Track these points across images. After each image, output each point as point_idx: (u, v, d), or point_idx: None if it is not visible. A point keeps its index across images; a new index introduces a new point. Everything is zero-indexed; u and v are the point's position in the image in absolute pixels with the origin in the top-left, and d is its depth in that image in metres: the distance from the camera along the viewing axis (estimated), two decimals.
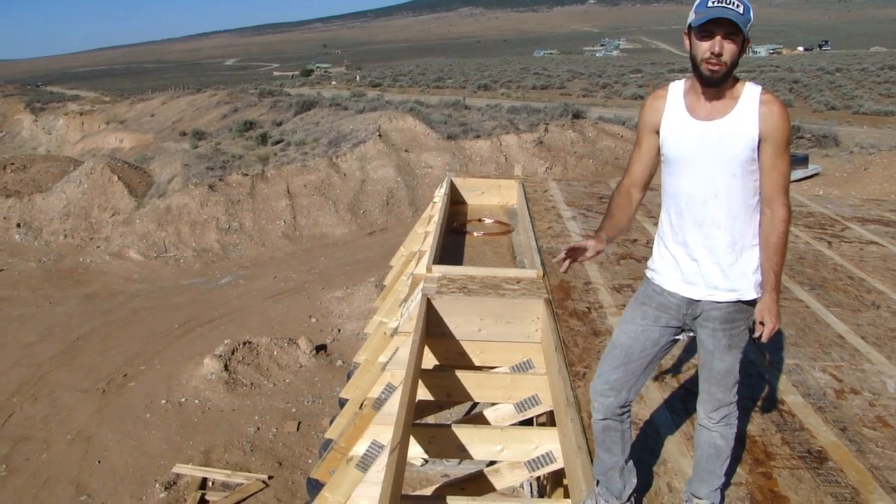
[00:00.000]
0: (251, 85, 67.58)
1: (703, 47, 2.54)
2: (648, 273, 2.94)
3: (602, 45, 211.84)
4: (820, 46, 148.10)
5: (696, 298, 2.76)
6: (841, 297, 5.50)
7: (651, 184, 2.98)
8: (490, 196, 8.70)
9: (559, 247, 6.50)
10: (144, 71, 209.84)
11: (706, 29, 2.52)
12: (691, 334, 2.90)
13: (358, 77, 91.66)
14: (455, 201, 8.46)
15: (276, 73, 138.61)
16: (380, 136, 23.38)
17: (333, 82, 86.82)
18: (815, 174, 21.06)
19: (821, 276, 6.00)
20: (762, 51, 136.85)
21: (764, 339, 2.68)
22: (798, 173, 20.58)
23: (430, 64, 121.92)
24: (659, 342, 2.87)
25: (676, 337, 2.90)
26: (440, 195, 8.30)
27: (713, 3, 2.50)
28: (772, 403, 3.81)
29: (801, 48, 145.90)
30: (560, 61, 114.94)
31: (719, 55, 2.51)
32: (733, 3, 2.48)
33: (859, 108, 41.42)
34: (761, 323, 2.67)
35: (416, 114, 26.74)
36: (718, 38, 2.51)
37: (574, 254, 2.96)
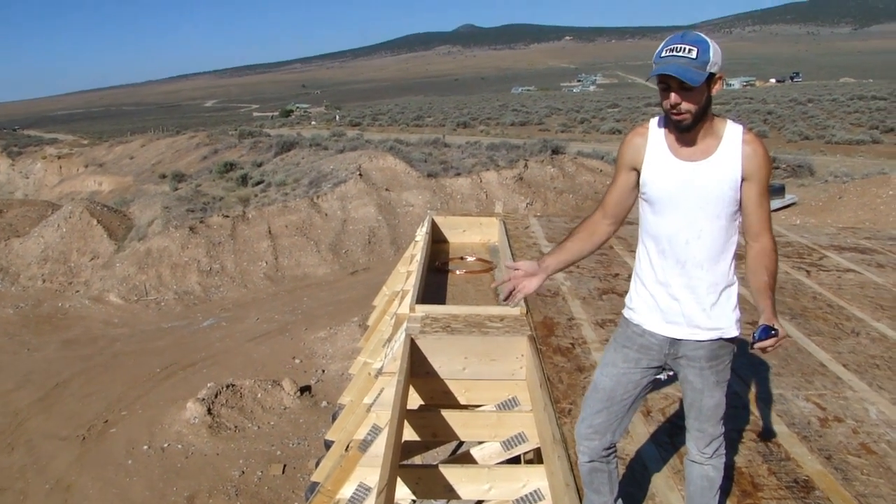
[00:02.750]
0: (231, 126, 67.81)
1: (664, 98, 2.53)
2: (626, 313, 2.91)
3: (579, 81, 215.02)
4: (792, 78, 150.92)
5: (678, 338, 2.76)
6: (821, 325, 5.55)
7: (629, 217, 2.99)
8: (471, 234, 8.73)
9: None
10: (123, 113, 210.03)
11: (662, 81, 2.51)
12: (671, 373, 2.90)
13: (337, 117, 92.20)
14: (437, 240, 8.48)
15: (255, 114, 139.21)
16: (360, 175, 23.45)
17: (313, 122, 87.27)
18: (792, 204, 21.32)
19: (801, 305, 6.06)
20: (736, 83, 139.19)
21: (774, 348, 2.57)
22: (775, 203, 20.81)
23: (408, 102, 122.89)
24: (641, 383, 2.86)
25: (658, 376, 2.90)
26: (421, 234, 8.31)
27: (666, 52, 2.49)
28: (757, 434, 3.83)
29: (773, 80, 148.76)
30: (538, 97, 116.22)
31: (678, 105, 2.50)
32: (685, 50, 2.45)
33: (832, 138, 42.15)
34: (773, 329, 2.54)
35: (396, 152, 26.88)
36: (673, 91, 2.49)
37: (518, 283, 2.94)
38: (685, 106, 2.50)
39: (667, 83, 2.50)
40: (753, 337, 2.58)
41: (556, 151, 28.14)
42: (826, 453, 3.62)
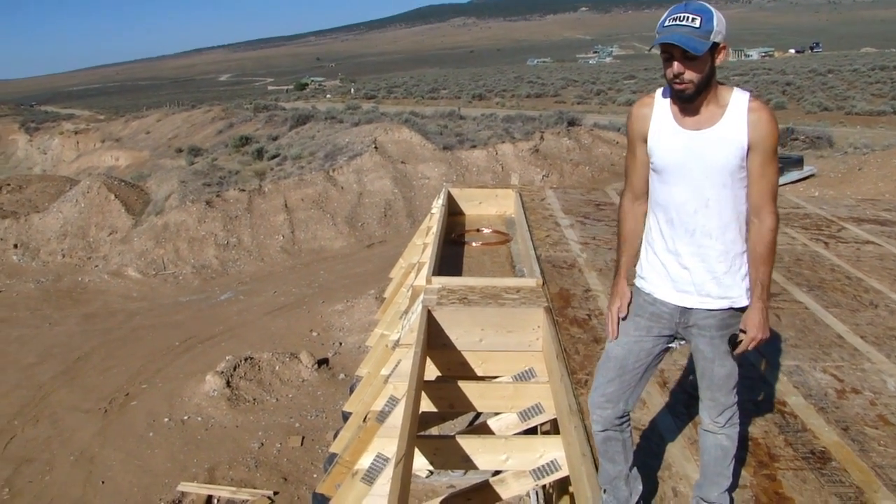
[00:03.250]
0: (246, 100, 67.79)
1: (667, 67, 2.51)
2: (638, 282, 2.92)
3: (595, 52, 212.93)
4: (811, 48, 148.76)
5: (689, 307, 2.76)
6: (839, 297, 5.52)
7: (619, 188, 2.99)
8: (487, 206, 8.72)
9: (558, 255, 6.53)
10: (139, 88, 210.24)
11: (665, 50, 2.49)
12: (683, 342, 2.91)
13: (352, 90, 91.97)
14: (453, 212, 8.48)
15: (270, 88, 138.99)
16: (376, 148, 23.43)
17: (328, 95, 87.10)
18: (811, 175, 21.11)
19: (819, 277, 6.03)
20: (754, 54, 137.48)
21: (742, 349, 2.69)
22: (793, 175, 20.64)
23: (424, 75, 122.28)
24: (652, 352, 2.87)
25: (669, 345, 2.91)
26: (437, 206, 8.32)
27: (669, 21, 2.46)
28: (774, 405, 3.83)
29: (792, 50, 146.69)
30: (554, 69, 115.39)
31: (681, 74, 2.49)
32: (688, 18, 2.42)
33: (852, 109, 41.57)
34: (743, 331, 2.67)
35: (412, 125, 26.80)
36: (676, 60, 2.47)
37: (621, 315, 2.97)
38: (688, 75, 2.48)
39: (670, 52, 2.48)
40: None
41: (572, 123, 27.98)
42: (843, 425, 3.62)
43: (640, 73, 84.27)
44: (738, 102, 2.58)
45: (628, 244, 2.99)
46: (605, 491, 3.03)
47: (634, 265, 3.01)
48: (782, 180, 20.02)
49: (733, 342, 2.74)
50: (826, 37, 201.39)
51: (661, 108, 2.71)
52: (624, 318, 2.95)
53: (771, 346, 4.53)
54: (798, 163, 21.44)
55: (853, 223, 8.01)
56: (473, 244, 7.29)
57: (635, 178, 2.91)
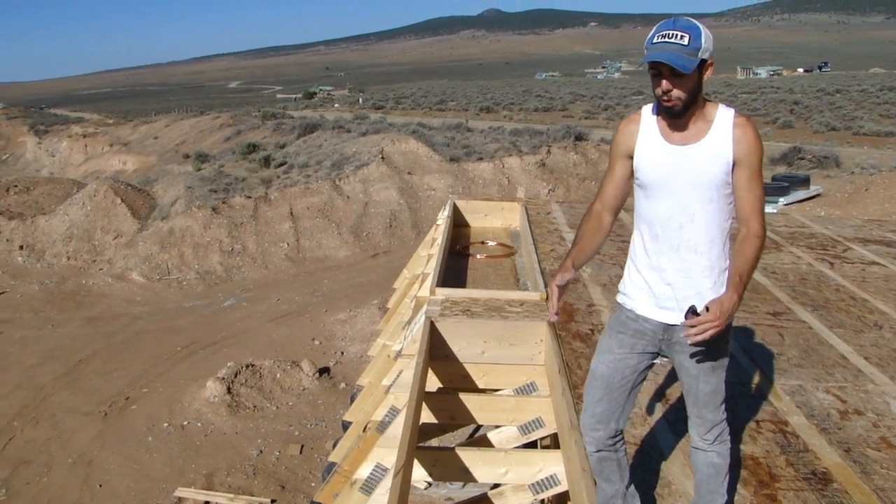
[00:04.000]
0: (254, 107, 68.00)
1: (656, 84, 2.54)
2: (620, 298, 2.93)
3: (604, 68, 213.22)
4: (820, 68, 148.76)
5: (671, 323, 2.75)
6: (844, 317, 5.50)
7: (626, 205, 3.01)
8: (493, 218, 8.72)
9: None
10: (148, 93, 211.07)
11: (653, 67, 2.51)
12: (666, 359, 2.90)
13: (361, 99, 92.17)
14: (458, 224, 8.47)
15: (279, 96, 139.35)
16: (382, 158, 23.46)
17: (336, 105, 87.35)
18: (817, 195, 21.08)
19: (823, 297, 6.01)
20: (763, 72, 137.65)
21: (695, 327, 2.45)
22: (800, 194, 20.62)
23: (432, 86, 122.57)
24: (637, 368, 2.86)
25: (654, 361, 2.90)
26: (443, 218, 8.31)
27: (658, 38, 2.49)
28: (776, 425, 3.81)
29: (800, 70, 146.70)
30: (562, 83, 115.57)
31: (669, 91, 2.51)
32: (677, 36, 2.45)
33: (859, 129, 41.48)
34: (706, 308, 2.49)
35: (419, 136, 26.82)
36: (664, 78, 2.50)
37: (561, 294, 3.05)
38: (676, 93, 2.51)
39: (658, 69, 2.51)
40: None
41: (579, 138, 27.95)
42: (845, 446, 3.60)
43: (648, 88, 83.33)
44: (723, 118, 2.61)
45: (584, 240, 3.03)
46: None
47: (585, 258, 3.07)
48: (789, 199, 20.02)
49: (692, 311, 2.54)
50: (834, 56, 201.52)
51: (648, 124, 2.75)
52: (560, 286, 3.05)
53: (774, 365, 4.52)
54: (804, 182, 21.43)
55: (859, 243, 7.99)
56: (478, 256, 7.29)
57: (608, 193, 2.95)
